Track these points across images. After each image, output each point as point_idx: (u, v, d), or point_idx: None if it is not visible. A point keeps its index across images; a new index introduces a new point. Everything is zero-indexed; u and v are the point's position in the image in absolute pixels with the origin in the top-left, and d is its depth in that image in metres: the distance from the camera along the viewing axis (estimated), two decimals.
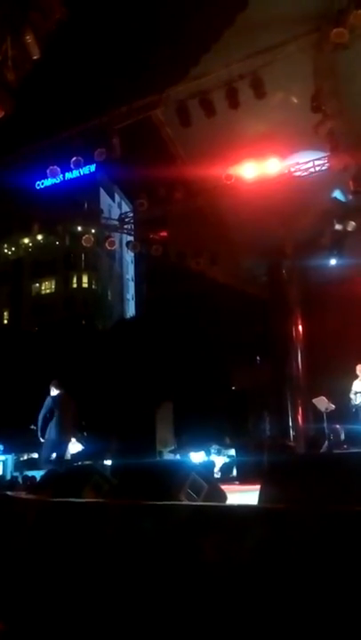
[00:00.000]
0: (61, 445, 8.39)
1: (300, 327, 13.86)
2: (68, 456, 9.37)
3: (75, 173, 11.37)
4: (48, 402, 8.28)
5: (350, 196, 11.03)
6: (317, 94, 8.98)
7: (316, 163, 10.69)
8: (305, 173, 11.03)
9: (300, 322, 13.88)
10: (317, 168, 10.80)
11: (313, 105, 8.99)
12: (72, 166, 9.77)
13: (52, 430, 8.18)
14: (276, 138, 10.04)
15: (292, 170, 10.80)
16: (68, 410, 8.36)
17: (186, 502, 3.12)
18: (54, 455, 8.31)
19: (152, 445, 13.69)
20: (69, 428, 8.42)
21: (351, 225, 11.56)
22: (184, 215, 11.25)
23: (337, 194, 11.56)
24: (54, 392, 8.40)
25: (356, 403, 10.61)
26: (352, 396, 10.71)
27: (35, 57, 6.95)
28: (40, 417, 8.25)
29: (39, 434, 8.27)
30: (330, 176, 11.02)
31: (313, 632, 1.79)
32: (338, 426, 12.11)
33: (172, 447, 13.90)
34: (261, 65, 8.69)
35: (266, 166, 10.49)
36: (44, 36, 6.90)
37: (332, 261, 12.51)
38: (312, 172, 10.98)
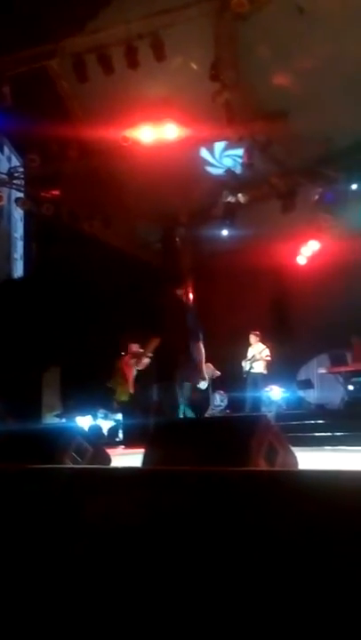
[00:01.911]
0: None
1: (191, 295, 14.13)
2: None
3: None
4: None
5: (243, 169, 11.29)
6: (216, 63, 9.01)
7: (213, 133, 10.77)
8: (201, 142, 11.11)
9: (191, 290, 14.14)
10: (214, 138, 10.91)
11: (212, 73, 9.01)
12: None
13: None
14: (174, 103, 9.97)
15: (189, 137, 10.81)
16: None
17: (69, 465, 3.11)
18: None
19: (38, 410, 13.44)
20: None
21: (243, 197, 11.87)
22: (78, 175, 10.90)
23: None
24: None
25: (246, 369, 11.13)
26: (243, 363, 11.20)
27: None
28: None
29: None
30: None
31: (195, 590, 1.86)
32: (222, 392, 12.65)
33: (58, 412, 13.76)
34: (162, 26, 8.53)
35: (163, 131, 10.40)
36: None
37: (224, 232, 12.82)
38: (208, 142, 11.09)
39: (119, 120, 10.01)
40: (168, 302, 5.61)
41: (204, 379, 5.51)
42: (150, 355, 5.90)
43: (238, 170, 11.70)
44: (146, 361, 6.09)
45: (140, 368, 6.58)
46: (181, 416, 6.28)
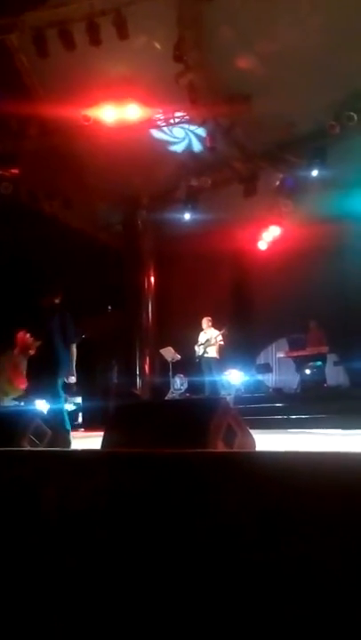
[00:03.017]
0: None
1: (153, 279, 14.07)
2: None
3: None
4: None
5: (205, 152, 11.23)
6: (180, 43, 8.91)
7: (177, 114, 10.68)
8: (164, 124, 10.99)
9: (152, 273, 14.08)
10: (177, 120, 10.81)
11: (175, 54, 8.91)
12: None
13: None
14: (137, 83, 9.81)
15: (153, 119, 10.70)
16: None
17: (27, 448, 3.09)
18: None
19: None
20: None
21: (206, 181, 11.84)
22: (38, 153, 10.64)
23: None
24: None
25: (200, 354, 11.17)
26: (196, 347, 11.24)
27: None
28: None
29: None
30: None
31: (152, 570, 1.88)
32: (182, 375, 12.71)
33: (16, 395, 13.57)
34: (125, 3, 8.37)
35: (125, 111, 10.25)
36: None
37: (187, 215, 12.78)
38: (172, 124, 10.97)
39: (80, 98, 9.80)
40: (45, 309, 6.19)
41: (72, 375, 6.15)
42: (32, 352, 6.47)
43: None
44: (31, 352, 6.60)
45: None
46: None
